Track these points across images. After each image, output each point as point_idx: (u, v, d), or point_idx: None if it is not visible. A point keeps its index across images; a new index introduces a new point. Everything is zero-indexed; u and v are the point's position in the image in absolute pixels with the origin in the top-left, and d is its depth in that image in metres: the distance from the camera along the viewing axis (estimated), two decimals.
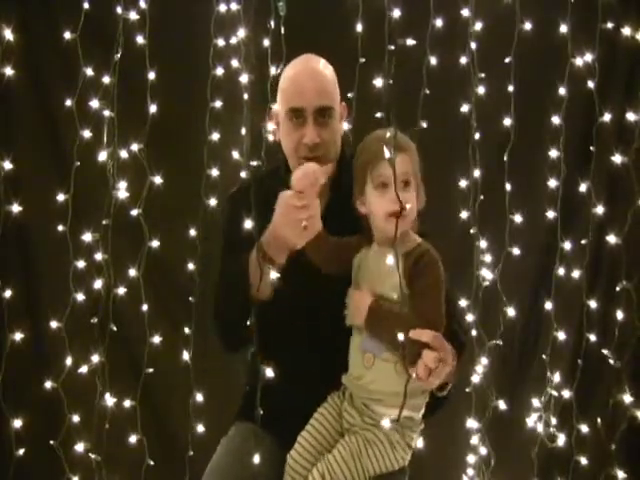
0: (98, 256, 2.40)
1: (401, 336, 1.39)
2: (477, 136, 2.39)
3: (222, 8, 2.38)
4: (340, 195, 1.67)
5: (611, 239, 2.25)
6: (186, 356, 2.41)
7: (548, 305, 2.56)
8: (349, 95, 1.85)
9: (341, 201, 1.63)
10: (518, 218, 2.50)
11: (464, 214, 2.44)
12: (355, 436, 1.54)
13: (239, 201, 1.74)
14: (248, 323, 1.52)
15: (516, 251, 2.51)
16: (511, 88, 2.40)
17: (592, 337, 2.52)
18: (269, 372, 1.52)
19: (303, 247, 1.58)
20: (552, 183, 2.53)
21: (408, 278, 1.49)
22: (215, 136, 2.49)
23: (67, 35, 2.34)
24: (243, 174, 2.44)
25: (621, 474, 2.29)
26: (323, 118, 1.69)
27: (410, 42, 2.19)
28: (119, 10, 2.33)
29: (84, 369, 2.37)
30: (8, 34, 2.21)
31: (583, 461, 2.52)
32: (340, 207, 1.63)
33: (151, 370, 2.36)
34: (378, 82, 2.01)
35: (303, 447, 1.58)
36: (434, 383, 1.47)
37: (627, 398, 2.15)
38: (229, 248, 1.80)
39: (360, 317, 1.52)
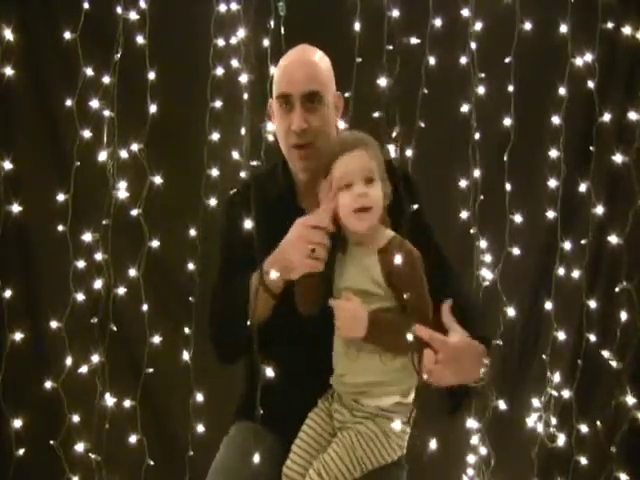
0: (98, 256, 2.40)
1: (410, 336, 1.40)
2: (477, 136, 2.39)
3: (222, 8, 2.38)
4: None
5: (612, 239, 2.24)
6: (186, 356, 2.41)
7: (548, 305, 2.55)
8: (346, 94, 1.85)
9: None
10: (518, 218, 2.50)
11: (464, 214, 2.44)
12: (347, 431, 1.54)
13: (237, 204, 1.73)
14: (248, 323, 1.52)
15: (516, 251, 2.51)
16: (511, 88, 2.40)
17: (592, 337, 2.52)
18: (268, 372, 1.52)
19: (296, 284, 1.57)
20: (552, 183, 2.53)
21: (388, 273, 1.49)
22: (215, 136, 2.49)
23: (67, 35, 2.34)
24: (243, 174, 2.44)
25: (623, 476, 2.28)
26: (312, 104, 1.67)
27: (412, 41, 2.19)
28: (119, 10, 2.33)
29: (84, 369, 2.37)
30: (8, 34, 2.21)
31: (583, 461, 2.51)
32: None
33: (151, 370, 2.36)
34: (378, 82, 2.01)
35: (298, 455, 1.58)
36: (440, 382, 1.48)
37: (629, 399, 2.15)
38: (227, 252, 1.80)
39: (359, 330, 1.49)
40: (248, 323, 1.52)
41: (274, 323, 1.64)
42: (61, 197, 2.34)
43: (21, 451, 2.34)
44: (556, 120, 2.46)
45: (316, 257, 1.52)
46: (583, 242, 2.50)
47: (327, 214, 1.52)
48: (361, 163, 1.51)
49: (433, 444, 2.24)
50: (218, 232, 1.88)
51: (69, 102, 2.34)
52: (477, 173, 2.42)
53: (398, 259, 1.46)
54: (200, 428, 2.45)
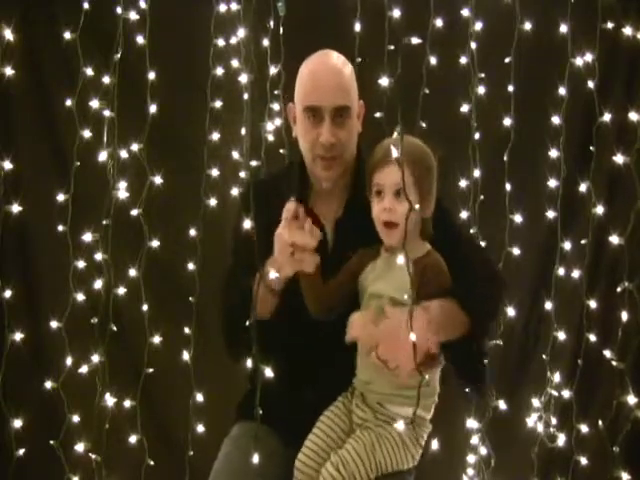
0: (98, 256, 2.40)
1: (413, 336, 1.37)
2: (477, 136, 2.39)
3: (222, 8, 2.38)
4: (357, 196, 1.67)
5: (612, 239, 2.24)
6: (186, 356, 2.41)
7: (548, 305, 2.55)
8: None
9: (359, 202, 1.63)
10: (518, 218, 2.50)
11: (464, 214, 2.44)
12: (368, 431, 1.55)
13: (251, 200, 1.71)
14: (247, 323, 1.52)
15: (516, 251, 2.51)
16: (511, 88, 2.40)
17: (592, 337, 2.52)
18: (269, 372, 1.52)
19: (300, 282, 1.57)
20: (552, 183, 2.53)
21: (420, 285, 1.49)
22: (215, 136, 2.49)
23: (67, 35, 2.34)
24: (243, 174, 2.45)
25: (625, 476, 2.28)
26: (340, 117, 1.66)
27: (413, 42, 2.19)
28: (119, 10, 2.33)
29: (84, 369, 2.37)
30: (8, 34, 2.21)
31: (583, 461, 2.51)
32: (357, 209, 1.63)
33: (151, 370, 2.36)
34: (378, 82, 2.01)
35: (311, 450, 1.58)
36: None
37: (631, 399, 2.15)
38: (238, 247, 1.78)
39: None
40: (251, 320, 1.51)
41: (280, 324, 1.63)
42: (61, 197, 2.34)
43: (21, 451, 2.33)
44: (556, 120, 2.46)
45: (299, 259, 1.51)
46: (583, 242, 2.50)
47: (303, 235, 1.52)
48: (394, 177, 1.50)
49: (433, 444, 2.24)
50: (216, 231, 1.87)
51: (69, 102, 2.34)
52: (477, 173, 2.43)
53: (424, 277, 1.49)
54: (200, 428, 2.45)
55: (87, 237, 2.34)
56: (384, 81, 1.85)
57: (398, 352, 1.44)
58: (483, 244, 2.32)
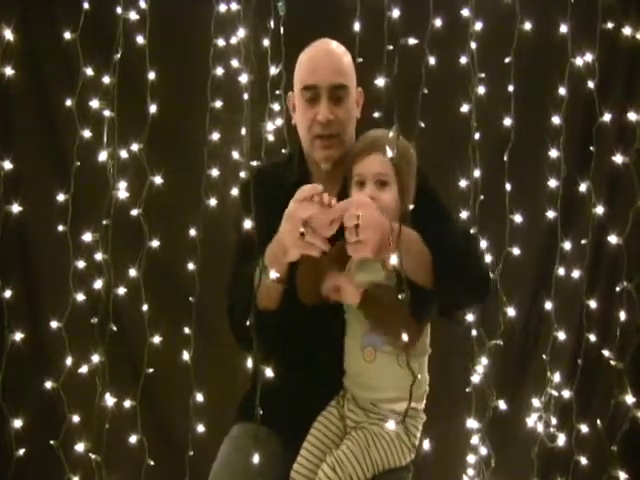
0: (98, 256, 2.40)
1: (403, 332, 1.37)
2: (477, 136, 2.39)
3: (222, 8, 2.38)
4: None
5: (612, 239, 2.24)
6: (186, 356, 2.41)
7: (548, 305, 2.56)
8: None
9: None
10: (518, 218, 2.50)
11: (464, 214, 2.44)
12: (362, 431, 1.55)
13: (251, 192, 1.70)
14: (248, 323, 1.52)
15: (516, 251, 2.51)
16: (511, 88, 2.40)
17: (592, 337, 2.52)
18: (269, 372, 1.52)
19: (297, 269, 1.54)
20: (552, 183, 2.53)
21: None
22: (215, 136, 2.49)
23: (67, 35, 2.35)
24: (243, 174, 2.45)
25: (623, 475, 2.28)
26: (338, 96, 1.67)
27: (411, 42, 2.19)
28: (119, 10, 2.33)
29: (84, 369, 2.37)
30: (8, 34, 2.21)
31: (583, 461, 2.51)
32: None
33: (151, 370, 2.36)
34: (378, 82, 2.02)
35: (306, 459, 1.58)
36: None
37: (629, 399, 2.15)
38: (242, 239, 1.77)
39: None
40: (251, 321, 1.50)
41: (281, 325, 1.63)
42: (61, 197, 2.34)
43: (21, 451, 2.34)
44: (556, 120, 2.46)
45: (308, 241, 1.46)
46: (583, 242, 2.50)
47: (318, 189, 1.47)
48: (375, 166, 1.52)
49: (433, 444, 2.25)
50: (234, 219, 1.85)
51: (69, 102, 2.34)
52: (477, 173, 2.43)
53: None
54: (200, 428, 2.45)
55: (87, 237, 2.34)
56: (382, 81, 1.86)
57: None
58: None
